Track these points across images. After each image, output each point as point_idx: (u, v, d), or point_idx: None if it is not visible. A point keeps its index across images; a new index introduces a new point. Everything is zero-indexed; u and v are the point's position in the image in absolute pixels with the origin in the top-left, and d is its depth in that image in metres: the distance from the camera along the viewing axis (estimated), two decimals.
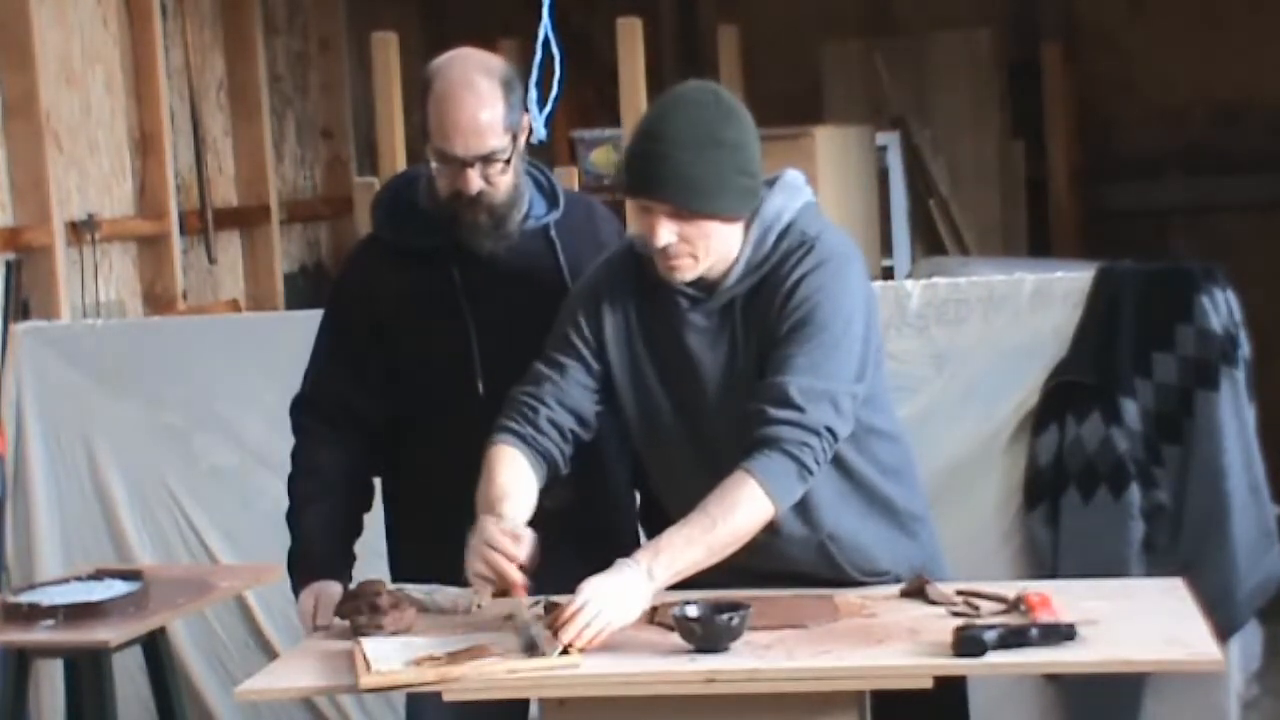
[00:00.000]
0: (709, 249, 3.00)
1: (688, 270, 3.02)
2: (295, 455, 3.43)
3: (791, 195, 3.09)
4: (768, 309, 3.02)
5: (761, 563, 3.08)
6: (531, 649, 2.82)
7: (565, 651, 2.76)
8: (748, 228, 3.04)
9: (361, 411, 3.36)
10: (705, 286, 3.06)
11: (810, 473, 2.94)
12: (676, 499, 3.04)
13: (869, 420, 3.09)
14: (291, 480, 3.42)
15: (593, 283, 3.17)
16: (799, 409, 2.92)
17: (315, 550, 3.30)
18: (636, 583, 2.84)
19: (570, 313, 3.16)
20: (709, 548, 2.90)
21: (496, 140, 3.18)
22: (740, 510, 2.90)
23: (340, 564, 3.28)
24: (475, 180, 3.19)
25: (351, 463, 3.38)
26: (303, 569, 3.30)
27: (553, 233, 3.35)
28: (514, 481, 3.04)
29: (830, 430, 2.94)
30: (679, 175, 2.95)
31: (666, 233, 2.98)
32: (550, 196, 3.38)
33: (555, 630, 2.79)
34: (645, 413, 3.13)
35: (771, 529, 3.00)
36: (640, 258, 3.07)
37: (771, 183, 3.08)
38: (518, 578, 2.92)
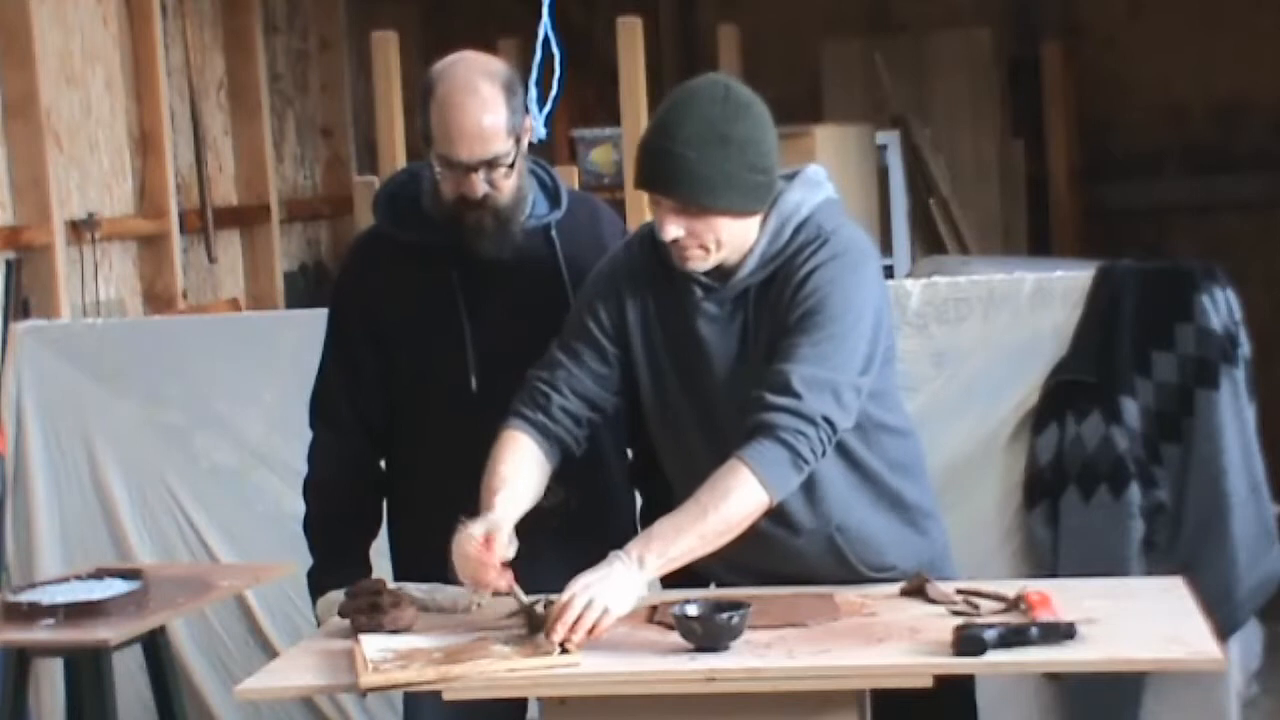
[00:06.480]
0: (719, 242, 3.01)
1: (698, 261, 3.03)
2: (309, 458, 3.45)
3: (812, 190, 3.10)
4: (779, 299, 3.02)
5: (772, 563, 3.09)
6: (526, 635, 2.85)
7: (564, 650, 2.77)
8: (765, 219, 3.05)
9: (367, 410, 3.37)
10: (720, 276, 3.07)
11: (806, 462, 2.93)
12: (687, 487, 3.02)
13: (878, 416, 3.09)
14: (306, 489, 3.45)
15: (610, 270, 3.18)
16: (797, 396, 2.91)
17: (334, 567, 3.32)
18: (627, 574, 2.84)
19: (587, 299, 3.17)
20: (701, 536, 2.89)
21: (500, 145, 3.17)
22: (732, 498, 2.89)
23: (359, 576, 3.27)
24: (480, 185, 3.18)
25: (361, 467, 3.41)
26: (323, 585, 3.33)
27: (553, 232, 3.34)
28: (515, 471, 3.05)
29: (828, 420, 2.94)
30: (685, 172, 2.95)
31: (673, 227, 2.99)
32: (553, 195, 3.38)
33: (547, 630, 2.79)
34: (660, 400, 3.14)
35: (781, 522, 3.01)
36: (658, 244, 3.08)
37: (792, 176, 3.09)
38: (501, 583, 2.93)
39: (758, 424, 2.92)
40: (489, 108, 3.16)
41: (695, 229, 2.99)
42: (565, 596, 2.80)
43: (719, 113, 2.98)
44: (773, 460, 2.91)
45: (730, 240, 3.02)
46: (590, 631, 2.79)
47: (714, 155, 2.96)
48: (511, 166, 3.20)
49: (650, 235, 3.13)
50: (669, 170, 2.97)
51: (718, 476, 2.91)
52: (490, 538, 2.93)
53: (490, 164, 3.17)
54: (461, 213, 3.21)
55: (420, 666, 2.77)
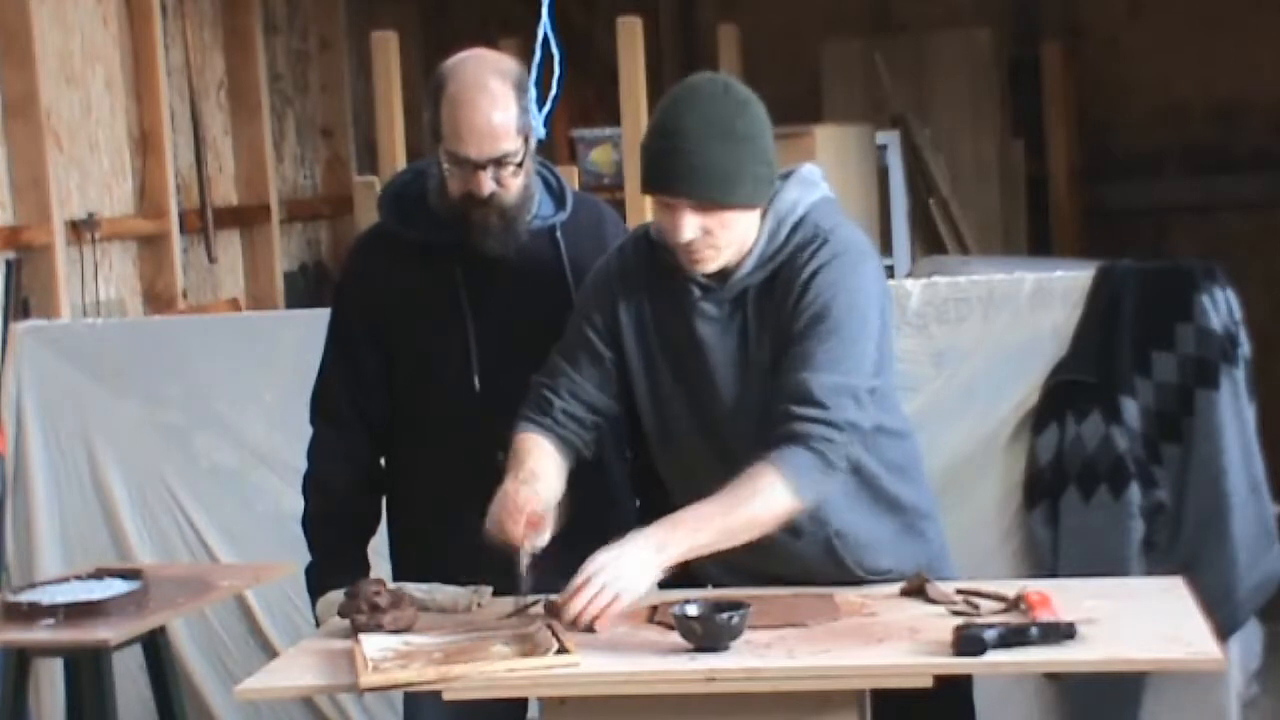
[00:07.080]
0: (730, 239, 3.00)
1: (711, 262, 3.02)
2: (309, 455, 3.45)
3: (807, 189, 3.10)
4: (781, 302, 3.02)
5: (769, 565, 3.09)
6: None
7: (564, 648, 2.77)
8: (762, 219, 3.04)
9: (368, 408, 3.37)
10: (718, 276, 3.06)
11: (834, 468, 2.95)
12: (688, 490, 3.03)
13: (877, 418, 3.09)
14: (305, 485, 3.45)
15: (605, 273, 3.17)
16: (823, 406, 2.92)
17: (332, 565, 3.32)
18: (646, 556, 2.85)
19: (583, 305, 3.17)
20: (725, 530, 2.90)
21: (509, 143, 3.18)
22: (759, 499, 2.90)
23: (358, 574, 3.27)
24: (488, 182, 3.18)
25: (361, 465, 3.40)
26: (322, 585, 3.33)
27: (558, 234, 3.34)
28: (542, 466, 3.06)
29: (852, 425, 2.96)
30: (697, 169, 2.94)
31: (691, 228, 2.97)
32: (558, 197, 3.38)
33: (561, 606, 2.79)
34: (658, 402, 3.14)
35: (781, 525, 3.01)
36: (653, 245, 3.08)
37: (787, 176, 3.09)
38: (521, 538, 2.93)
39: (787, 434, 2.93)
40: (499, 105, 3.16)
41: (710, 227, 2.98)
42: (581, 577, 2.81)
43: (721, 107, 2.97)
44: (804, 466, 2.92)
45: (738, 237, 3.02)
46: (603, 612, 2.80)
47: (723, 149, 2.95)
48: (520, 165, 3.21)
49: (645, 237, 3.13)
50: (681, 169, 2.95)
51: (746, 478, 2.92)
52: (531, 497, 2.94)
53: (499, 162, 3.18)
54: (468, 210, 3.21)
55: (420, 666, 2.77)
